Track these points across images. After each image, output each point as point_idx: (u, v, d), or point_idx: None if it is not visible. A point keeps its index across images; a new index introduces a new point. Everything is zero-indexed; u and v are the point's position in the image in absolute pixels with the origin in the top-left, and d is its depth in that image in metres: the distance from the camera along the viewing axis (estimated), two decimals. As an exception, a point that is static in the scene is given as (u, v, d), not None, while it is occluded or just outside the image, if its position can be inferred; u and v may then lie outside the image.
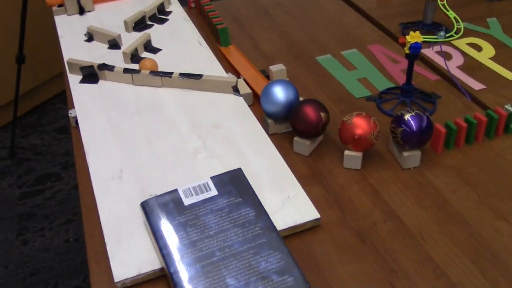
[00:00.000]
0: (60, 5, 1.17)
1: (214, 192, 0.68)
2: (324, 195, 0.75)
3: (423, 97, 0.93)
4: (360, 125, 0.76)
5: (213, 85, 0.91)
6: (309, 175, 0.79)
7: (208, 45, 1.07)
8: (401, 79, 0.99)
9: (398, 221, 0.71)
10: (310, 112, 0.79)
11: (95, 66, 0.94)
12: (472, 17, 1.18)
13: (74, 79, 0.96)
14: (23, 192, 1.76)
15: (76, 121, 0.89)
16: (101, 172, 0.77)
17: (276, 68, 0.94)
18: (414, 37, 0.84)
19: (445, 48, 1.07)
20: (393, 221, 0.71)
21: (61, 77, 2.22)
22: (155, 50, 1.03)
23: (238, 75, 1.01)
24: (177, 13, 1.16)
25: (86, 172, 0.79)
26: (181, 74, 0.91)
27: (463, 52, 1.07)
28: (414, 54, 0.85)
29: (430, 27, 1.13)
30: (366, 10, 1.24)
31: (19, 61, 1.80)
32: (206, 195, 0.67)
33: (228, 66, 1.05)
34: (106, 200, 0.72)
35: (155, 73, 0.92)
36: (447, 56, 1.05)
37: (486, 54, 1.06)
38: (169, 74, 0.92)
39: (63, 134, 2.02)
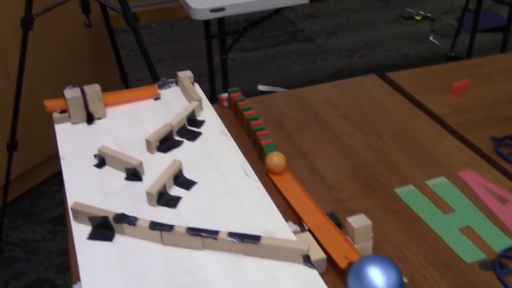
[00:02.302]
0: (62, 111, 0.93)
1: None
2: None
3: (560, 265, 0.68)
4: None
5: (276, 252, 0.66)
6: None
7: (251, 165, 0.82)
8: (519, 230, 0.74)
9: None
10: (432, 319, 0.54)
11: (111, 218, 0.69)
12: None
13: (80, 231, 0.71)
14: (10, 304, 1.49)
15: (83, 301, 0.63)
16: None
17: (358, 223, 0.69)
18: None
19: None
20: None
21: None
22: (188, 184, 0.78)
23: (299, 221, 0.76)
24: (212, 124, 0.92)
25: None
26: (231, 234, 0.66)
27: None
28: None
29: (535, 147, 0.89)
30: (440, 115, 1.01)
31: (11, 148, 1.56)
32: None
33: (282, 202, 0.81)
34: None
35: (194, 230, 0.67)
36: None
37: None
38: (213, 234, 0.66)
39: (58, 226, 1.75)
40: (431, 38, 2.99)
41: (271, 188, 0.83)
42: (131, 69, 2.00)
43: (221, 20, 1.88)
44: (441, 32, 3.06)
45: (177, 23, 3.29)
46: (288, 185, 0.84)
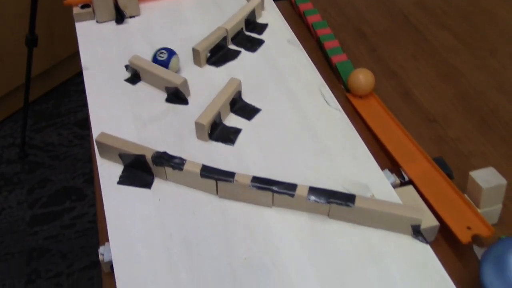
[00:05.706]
0: (84, 5, 0.73)
1: None
2: None
3: None
4: None
5: (374, 218, 0.48)
6: None
7: (326, 83, 0.62)
8: None
9: None
10: None
11: (149, 157, 0.52)
12: None
13: (107, 172, 0.54)
14: (35, 215, 1.37)
15: (111, 267, 0.48)
16: None
17: (489, 182, 0.50)
18: None
19: None
20: None
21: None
22: (249, 112, 0.59)
23: (395, 167, 0.58)
24: (277, 29, 0.71)
25: None
26: (314, 192, 0.48)
27: None
28: None
29: None
30: None
31: (30, 44, 1.37)
32: None
33: (366, 134, 0.62)
34: None
35: (262, 183, 0.49)
36: None
37: None
38: (289, 190, 0.48)
39: (86, 130, 1.61)
40: None
41: (349, 116, 0.63)
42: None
43: None
44: None
45: None
46: (375, 113, 0.64)
